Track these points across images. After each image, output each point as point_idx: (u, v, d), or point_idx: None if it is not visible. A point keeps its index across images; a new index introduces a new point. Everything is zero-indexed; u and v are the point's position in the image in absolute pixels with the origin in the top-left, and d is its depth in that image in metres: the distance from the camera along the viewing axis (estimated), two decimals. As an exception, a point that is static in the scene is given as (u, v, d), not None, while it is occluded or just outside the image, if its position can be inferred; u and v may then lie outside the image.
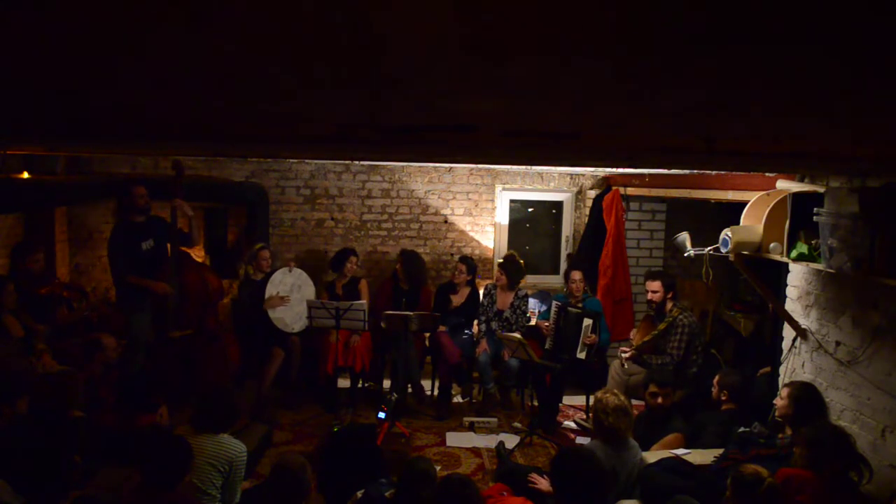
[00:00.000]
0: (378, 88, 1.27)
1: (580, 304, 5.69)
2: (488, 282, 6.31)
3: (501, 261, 6.10)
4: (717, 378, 4.37)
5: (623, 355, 5.32)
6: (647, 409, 4.47)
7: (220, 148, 3.65)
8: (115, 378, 4.49)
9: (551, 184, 6.86)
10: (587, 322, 5.45)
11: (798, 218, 3.57)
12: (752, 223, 3.96)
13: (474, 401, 6.02)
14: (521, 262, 6.08)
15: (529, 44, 0.95)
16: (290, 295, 5.80)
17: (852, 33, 0.87)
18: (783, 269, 4.35)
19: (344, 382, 5.92)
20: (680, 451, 3.87)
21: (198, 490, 3.20)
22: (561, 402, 5.76)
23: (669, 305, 5.25)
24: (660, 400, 4.37)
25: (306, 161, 6.39)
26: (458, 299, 6.12)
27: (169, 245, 5.28)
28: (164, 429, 4.17)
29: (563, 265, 6.89)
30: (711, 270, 4.14)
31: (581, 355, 5.46)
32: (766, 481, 2.80)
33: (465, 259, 6.18)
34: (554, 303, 5.76)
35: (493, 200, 6.86)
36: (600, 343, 5.58)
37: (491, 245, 6.88)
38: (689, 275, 6.58)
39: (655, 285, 5.29)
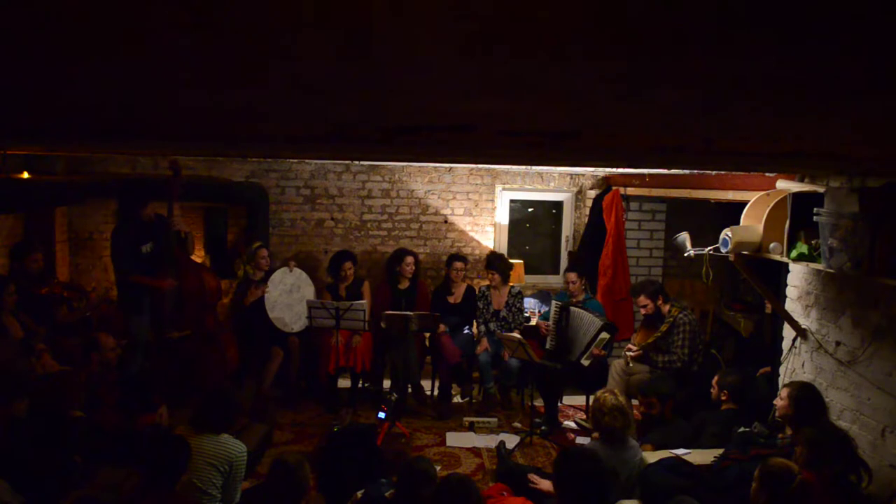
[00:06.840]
0: (377, 88, 1.27)
1: (581, 305, 5.66)
2: (483, 283, 6.30)
3: (486, 263, 6.11)
4: (716, 378, 4.37)
5: (629, 354, 5.29)
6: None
7: (219, 148, 3.65)
8: (115, 378, 4.49)
9: (551, 184, 6.86)
10: (604, 335, 5.31)
11: (798, 218, 3.56)
12: (752, 223, 3.96)
13: (474, 401, 6.02)
14: (502, 254, 6.27)
15: (530, 44, 0.95)
16: (290, 295, 5.80)
17: (854, 32, 0.87)
18: (783, 269, 4.35)
19: (344, 382, 5.92)
20: (680, 451, 3.87)
21: (198, 490, 3.20)
22: (561, 402, 5.76)
23: (666, 308, 5.23)
24: (641, 406, 4.39)
25: (306, 161, 6.39)
26: (455, 298, 6.12)
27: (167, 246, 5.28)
28: (164, 429, 4.17)
29: (564, 263, 6.89)
30: (711, 270, 4.14)
31: (585, 362, 5.37)
32: (797, 477, 2.75)
33: (457, 257, 6.20)
34: (554, 302, 5.72)
35: (493, 200, 6.86)
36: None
37: (491, 245, 6.88)
38: (689, 275, 6.58)
39: (642, 300, 5.27)
